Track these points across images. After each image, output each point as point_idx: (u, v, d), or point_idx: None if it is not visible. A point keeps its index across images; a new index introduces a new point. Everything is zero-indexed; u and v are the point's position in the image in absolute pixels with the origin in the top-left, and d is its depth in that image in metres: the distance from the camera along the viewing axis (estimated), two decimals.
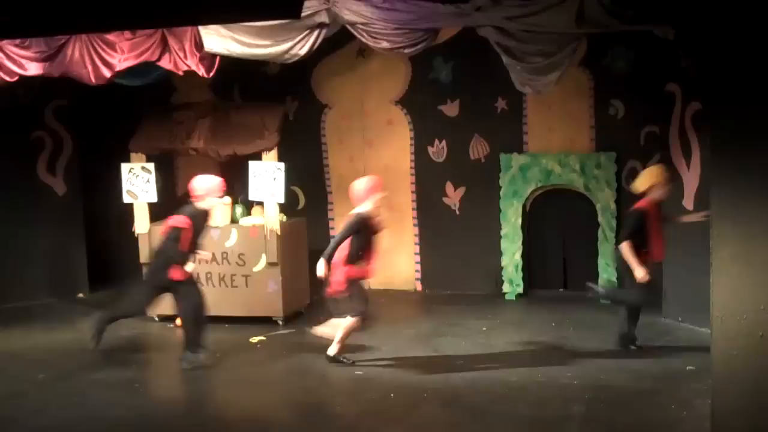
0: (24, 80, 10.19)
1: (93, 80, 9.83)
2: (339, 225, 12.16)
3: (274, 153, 10.54)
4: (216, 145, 10.71)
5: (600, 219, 11.21)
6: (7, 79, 9.89)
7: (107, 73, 9.75)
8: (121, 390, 8.79)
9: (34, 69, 9.81)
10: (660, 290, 10.37)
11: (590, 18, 8.41)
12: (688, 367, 8.77)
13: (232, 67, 9.96)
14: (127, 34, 9.48)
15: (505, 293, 11.53)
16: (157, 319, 11.00)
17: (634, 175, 11.06)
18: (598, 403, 8.03)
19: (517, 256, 11.47)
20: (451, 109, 11.76)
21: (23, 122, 11.98)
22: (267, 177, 10.46)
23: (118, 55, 9.62)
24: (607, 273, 11.18)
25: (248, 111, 10.93)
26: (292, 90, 12.12)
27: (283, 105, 11.59)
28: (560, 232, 11.65)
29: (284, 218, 10.79)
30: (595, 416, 7.77)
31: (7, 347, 10.30)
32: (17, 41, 9.48)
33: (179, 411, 8.36)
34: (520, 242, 11.47)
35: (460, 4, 8.73)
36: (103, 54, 9.64)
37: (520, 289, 11.50)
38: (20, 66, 9.78)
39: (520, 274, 11.49)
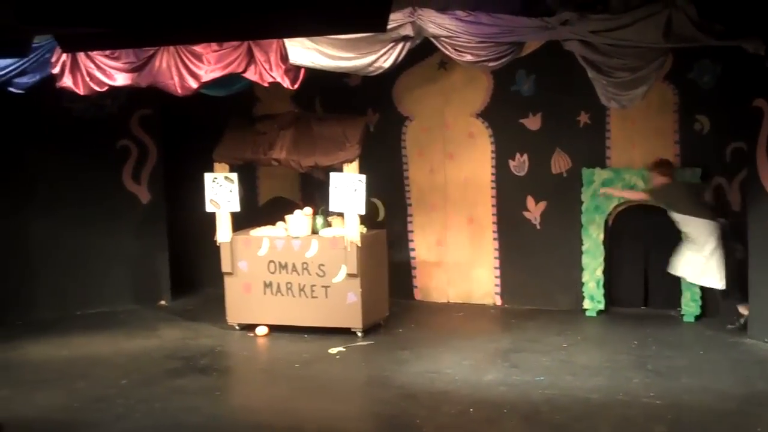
0: (111, 90, 10.40)
1: (179, 91, 9.99)
2: (418, 237, 12.22)
3: (355, 165, 10.58)
4: (298, 157, 10.78)
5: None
6: (97, 89, 10.09)
7: (194, 84, 9.90)
8: (202, 397, 8.89)
9: (122, 80, 10.00)
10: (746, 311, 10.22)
11: (678, 32, 8.30)
12: None
13: (314, 78, 10.03)
14: (214, 45, 9.62)
15: (585, 309, 11.40)
16: (237, 328, 11.10)
17: (719, 191, 10.93)
18: (680, 423, 7.89)
19: (599, 273, 11.33)
20: (532, 122, 11.69)
21: (110, 131, 12.21)
22: (348, 189, 10.50)
23: (204, 66, 9.77)
24: (690, 291, 10.98)
25: (330, 123, 10.99)
26: (373, 102, 12.15)
27: (365, 117, 11.64)
28: (642, 248, 11.47)
29: (364, 230, 10.82)
30: None
31: (91, 352, 10.49)
32: (107, 52, 9.67)
33: (258, 420, 8.40)
34: (602, 258, 11.34)
35: (545, 17, 8.68)
36: (190, 65, 9.79)
37: (601, 306, 11.36)
38: (109, 76, 9.97)
39: (601, 290, 11.35)
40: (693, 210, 10.53)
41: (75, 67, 9.94)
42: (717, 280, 10.45)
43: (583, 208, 11.38)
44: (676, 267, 10.73)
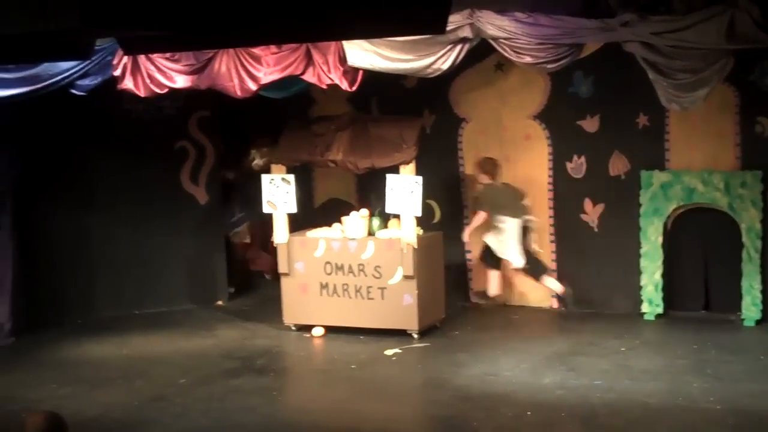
0: (171, 92, 10.51)
1: (239, 93, 10.07)
2: (474, 239, 12.17)
3: (411, 166, 10.58)
4: (354, 158, 10.80)
5: (744, 239, 10.86)
6: (158, 91, 10.20)
7: (253, 86, 9.97)
8: (259, 397, 8.95)
9: (182, 82, 10.10)
10: None
11: (741, 33, 8.19)
12: None
13: (370, 80, 10.04)
14: (273, 48, 9.67)
15: (644, 313, 11.28)
16: (294, 328, 11.15)
17: None
18: (741, 429, 7.81)
19: (657, 276, 11.21)
20: (590, 124, 11.59)
21: (168, 132, 12.32)
22: (404, 190, 10.50)
23: (263, 68, 9.83)
24: (751, 295, 10.84)
25: (386, 124, 11.00)
26: (429, 103, 12.13)
27: (421, 118, 11.63)
28: (702, 252, 11.32)
29: (421, 232, 10.81)
30: None
31: (149, 351, 10.61)
32: (168, 54, 9.77)
33: (314, 420, 8.45)
34: (661, 261, 11.21)
35: (605, 18, 8.61)
36: (249, 67, 9.86)
37: (660, 310, 11.23)
38: (170, 79, 10.07)
39: (660, 294, 11.22)
40: (513, 213, 11.14)
41: (136, 69, 10.06)
42: (517, 257, 11.24)
43: (642, 210, 11.26)
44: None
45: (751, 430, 7.78)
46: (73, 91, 10.37)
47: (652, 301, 11.25)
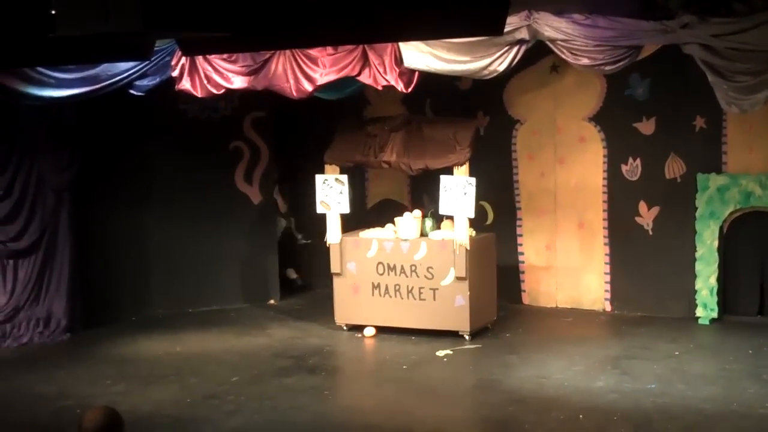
0: (227, 93, 10.59)
1: (294, 94, 10.11)
2: (527, 241, 12.15)
3: (465, 168, 10.56)
4: (408, 159, 10.81)
5: None
6: (215, 91, 10.28)
7: (309, 87, 10.01)
8: (310, 396, 9.00)
9: (239, 82, 10.17)
10: None
11: None
12: None
13: (424, 81, 10.04)
14: (329, 49, 9.70)
15: (698, 317, 11.17)
16: (345, 328, 11.19)
17: None
18: None
19: (712, 280, 11.09)
20: (646, 126, 11.49)
21: (223, 133, 12.42)
22: (458, 191, 10.49)
23: (319, 69, 9.86)
24: None
25: (440, 125, 10.99)
26: (483, 105, 12.11)
27: (475, 120, 11.61)
28: (758, 256, 11.19)
29: (473, 233, 10.80)
30: None
31: (203, 349, 10.70)
32: (225, 55, 9.84)
33: (365, 420, 8.46)
34: (716, 265, 11.09)
35: (664, 20, 8.54)
36: (306, 68, 9.90)
37: (715, 314, 11.11)
38: (227, 79, 10.15)
39: (715, 298, 11.10)
40: None
41: (193, 70, 10.14)
42: None
43: (698, 214, 11.15)
44: None
45: None
46: (132, 92, 10.50)
47: (706, 306, 11.14)
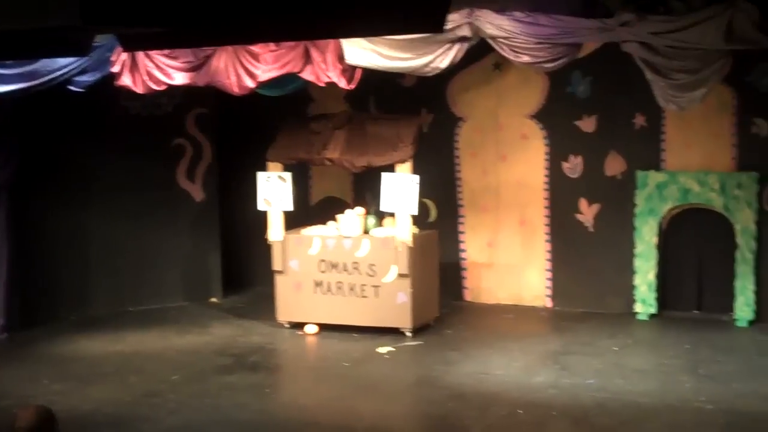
0: (169, 89, 10.51)
1: (236, 90, 10.07)
2: (469, 238, 12.21)
3: (408, 165, 10.59)
4: (351, 157, 10.81)
5: (739, 240, 10.89)
6: (155, 88, 10.21)
7: (251, 84, 9.97)
8: (252, 394, 8.97)
9: (181, 79, 10.11)
10: None
11: (740, 35, 8.21)
12: None
13: (368, 78, 10.06)
14: (271, 45, 9.68)
15: (637, 313, 11.31)
16: (287, 326, 11.16)
17: None
18: (732, 429, 7.88)
19: (651, 276, 11.24)
20: (587, 124, 11.61)
21: (165, 129, 12.31)
22: (400, 189, 10.51)
23: (261, 66, 9.83)
24: (744, 296, 10.87)
25: (384, 123, 11.01)
26: (427, 102, 12.14)
27: (418, 117, 11.64)
28: (696, 252, 11.35)
29: (416, 230, 10.82)
30: None
31: (143, 348, 10.61)
32: (166, 51, 9.77)
33: (307, 418, 8.46)
34: (655, 261, 11.24)
35: (604, 18, 8.63)
36: (248, 65, 9.86)
37: (653, 309, 11.26)
38: (168, 75, 10.08)
39: (654, 294, 11.25)
40: None
41: (134, 66, 10.06)
42: None
43: (637, 211, 11.30)
44: None
45: (743, 429, 7.81)
46: (71, 88, 10.38)
47: (645, 301, 11.29)
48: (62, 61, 9.92)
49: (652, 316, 11.28)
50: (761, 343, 10.23)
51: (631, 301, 11.38)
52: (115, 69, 10.13)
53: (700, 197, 11.05)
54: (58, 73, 10.03)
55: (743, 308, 10.89)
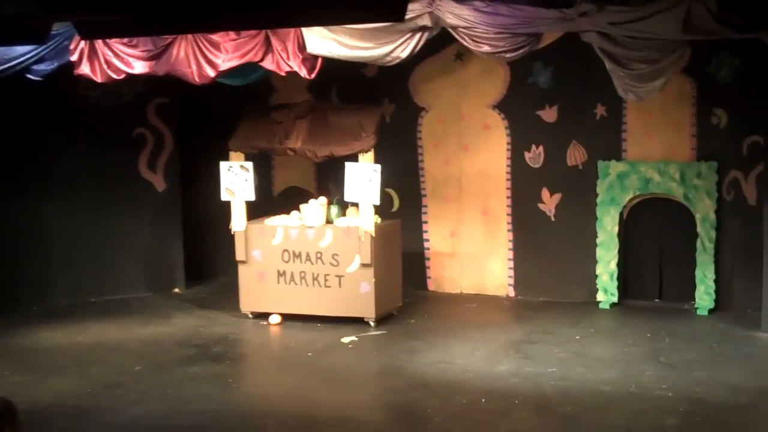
0: (129, 78, 10.43)
1: (197, 80, 10.01)
2: (432, 228, 12.22)
3: (370, 155, 10.59)
4: (313, 146, 10.79)
5: (699, 229, 10.99)
6: (114, 76, 10.13)
7: (211, 73, 9.91)
8: (215, 384, 8.94)
9: (140, 67, 10.03)
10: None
11: (698, 25, 8.27)
12: None
13: (330, 68, 10.04)
14: (232, 34, 9.63)
15: (599, 302, 11.39)
16: (251, 316, 11.13)
17: (735, 185, 10.90)
18: (693, 416, 7.90)
19: (613, 265, 11.32)
20: (549, 114, 11.66)
21: (126, 119, 12.23)
22: (363, 178, 10.51)
23: (222, 55, 9.78)
24: (704, 284, 10.97)
25: (346, 113, 11.00)
26: (389, 93, 12.14)
27: (381, 107, 11.63)
28: (657, 241, 11.45)
29: (379, 220, 10.83)
30: (690, 430, 7.67)
31: (105, 339, 10.55)
32: (125, 40, 9.69)
33: (270, 408, 8.44)
34: (616, 251, 11.32)
35: (563, 9, 8.66)
36: (208, 54, 9.80)
37: (615, 298, 11.35)
38: (127, 64, 10.00)
39: (615, 283, 11.33)
40: None
41: (93, 54, 9.97)
42: None
43: (598, 200, 11.37)
44: None
45: (703, 417, 7.88)
46: (29, 76, 10.29)
47: (607, 290, 11.37)
48: (20, 49, 9.83)
49: (613, 305, 11.37)
50: (721, 331, 10.33)
51: (593, 290, 11.46)
52: (74, 57, 10.04)
53: (660, 187, 11.13)
54: (16, 61, 9.96)
55: (703, 297, 11.00)
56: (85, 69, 10.08)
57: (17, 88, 10.67)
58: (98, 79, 10.15)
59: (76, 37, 9.74)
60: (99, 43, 9.83)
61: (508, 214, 11.98)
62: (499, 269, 12.08)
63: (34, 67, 10.15)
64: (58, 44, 9.94)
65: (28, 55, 9.95)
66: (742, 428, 7.72)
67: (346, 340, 10.25)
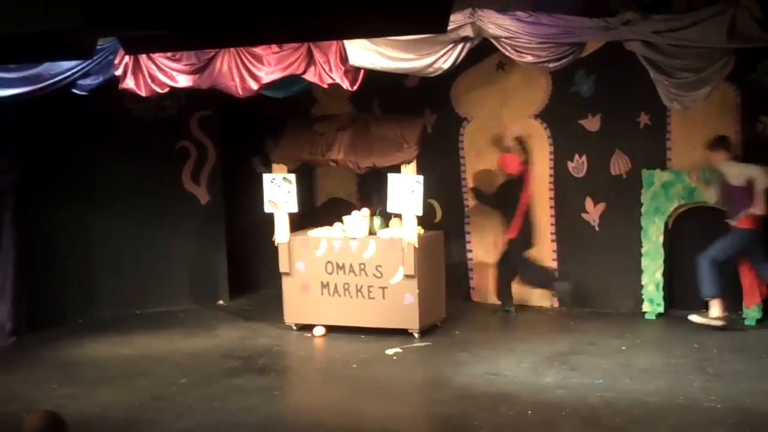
0: (172, 92, 10.51)
1: (240, 92, 10.07)
2: (475, 238, 12.18)
3: (412, 166, 10.58)
4: (356, 157, 10.80)
5: None
6: (159, 90, 10.21)
7: (254, 86, 9.97)
8: (260, 396, 8.95)
9: (184, 81, 10.10)
10: None
11: (742, 32, 8.20)
12: None
13: (371, 79, 10.06)
14: (274, 47, 9.67)
15: (644, 312, 11.28)
16: (295, 328, 11.15)
17: None
18: (743, 428, 7.78)
19: (658, 275, 11.21)
20: (592, 123, 11.59)
21: (169, 132, 12.34)
22: (405, 189, 10.50)
23: (265, 68, 9.83)
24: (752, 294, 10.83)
25: (387, 123, 10.99)
26: (430, 103, 12.14)
27: (422, 118, 11.62)
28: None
29: (422, 231, 10.81)
30: None
31: (151, 351, 10.61)
32: (169, 54, 9.77)
33: (315, 420, 8.44)
34: (662, 261, 11.21)
35: (607, 18, 8.62)
36: (251, 67, 9.86)
37: (661, 309, 11.23)
38: (171, 78, 10.08)
39: (661, 293, 11.22)
40: None
41: (137, 68, 10.06)
42: None
43: (643, 210, 11.27)
44: None
45: (752, 428, 7.76)
46: (75, 91, 10.39)
47: (653, 301, 11.26)
48: (65, 64, 9.93)
49: (659, 315, 11.25)
50: None
51: (639, 300, 11.35)
52: (118, 72, 10.13)
53: (705, 195, 11.01)
54: (62, 76, 10.06)
55: (751, 307, 10.85)
56: (129, 83, 10.17)
57: (63, 103, 10.78)
58: (142, 93, 10.24)
59: (121, 52, 9.83)
60: (143, 58, 9.91)
61: (551, 224, 11.91)
62: None
63: (80, 81, 10.25)
64: (103, 59, 10.04)
65: (74, 70, 10.05)
66: None
67: (390, 351, 10.23)
